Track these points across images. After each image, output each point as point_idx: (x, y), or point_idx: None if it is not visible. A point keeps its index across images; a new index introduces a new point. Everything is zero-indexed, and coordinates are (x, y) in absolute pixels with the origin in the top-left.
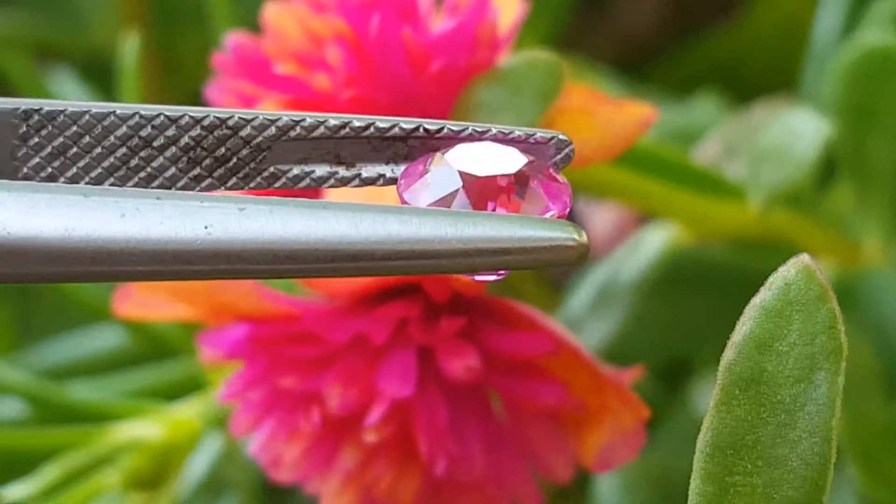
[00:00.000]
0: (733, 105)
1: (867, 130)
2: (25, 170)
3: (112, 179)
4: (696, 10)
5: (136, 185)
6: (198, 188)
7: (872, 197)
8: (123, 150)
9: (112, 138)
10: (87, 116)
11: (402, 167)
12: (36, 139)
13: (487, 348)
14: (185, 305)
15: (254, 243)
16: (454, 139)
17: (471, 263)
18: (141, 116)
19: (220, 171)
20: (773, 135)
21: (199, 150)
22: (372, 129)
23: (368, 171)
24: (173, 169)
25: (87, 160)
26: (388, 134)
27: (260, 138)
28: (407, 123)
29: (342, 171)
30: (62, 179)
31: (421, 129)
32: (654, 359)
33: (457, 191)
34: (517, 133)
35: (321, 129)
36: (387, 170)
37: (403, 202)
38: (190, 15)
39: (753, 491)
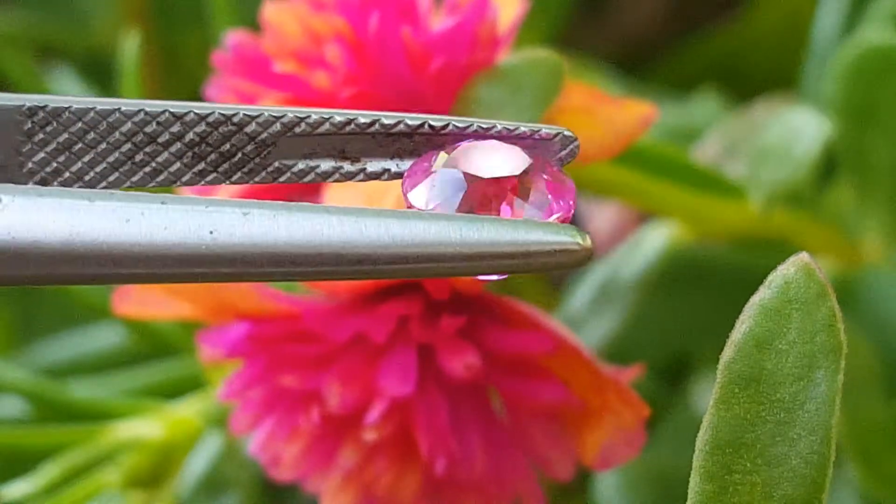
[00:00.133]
0: (733, 104)
1: (867, 129)
2: (30, 165)
3: (117, 174)
4: (696, 9)
5: (140, 180)
6: (202, 182)
7: (872, 196)
8: (128, 145)
9: (117, 134)
10: (91, 113)
11: (407, 162)
12: (41, 135)
13: (488, 347)
14: (185, 304)
15: (258, 248)
16: (459, 135)
17: (475, 267)
18: (146, 113)
19: (225, 165)
20: (774, 133)
21: (203, 145)
22: (377, 126)
23: (373, 165)
24: (178, 164)
25: (92, 155)
26: (394, 130)
27: (265, 134)
28: (412, 120)
29: (347, 166)
30: (67, 174)
31: (426, 126)
32: (654, 357)
33: (461, 193)
34: (522, 129)
35: (326, 126)
36: (392, 164)
37: (408, 202)
38: (190, 13)
39: (753, 489)
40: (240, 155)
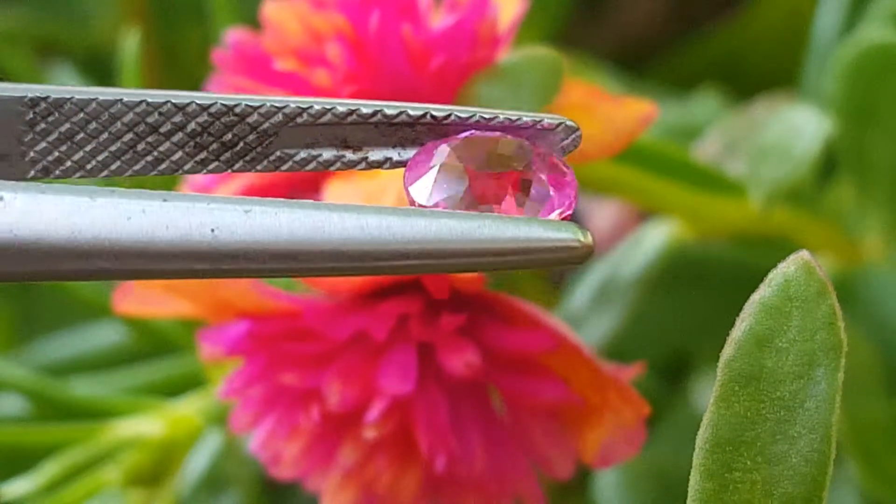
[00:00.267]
0: (734, 102)
1: (867, 127)
2: (32, 154)
3: (119, 163)
4: (697, 7)
5: (142, 169)
6: (204, 171)
7: (872, 194)
8: (130, 135)
9: (119, 124)
10: (93, 104)
11: (410, 151)
12: (43, 125)
13: (488, 345)
14: (185, 302)
15: (259, 245)
16: (461, 125)
17: (475, 264)
18: (148, 104)
19: (227, 155)
20: (774, 132)
21: (205, 135)
22: (379, 116)
23: (375, 154)
24: (180, 153)
25: (94, 144)
26: (396, 120)
27: (267, 124)
28: (414, 110)
29: (349, 155)
30: (69, 163)
31: (428, 116)
32: (654, 355)
33: (463, 188)
34: (525, 119)
35: (328, 116)
36: (394, 153)
37: (409, 196)
38: (190, 11)
39: (753, 487)
40: (242, 144)
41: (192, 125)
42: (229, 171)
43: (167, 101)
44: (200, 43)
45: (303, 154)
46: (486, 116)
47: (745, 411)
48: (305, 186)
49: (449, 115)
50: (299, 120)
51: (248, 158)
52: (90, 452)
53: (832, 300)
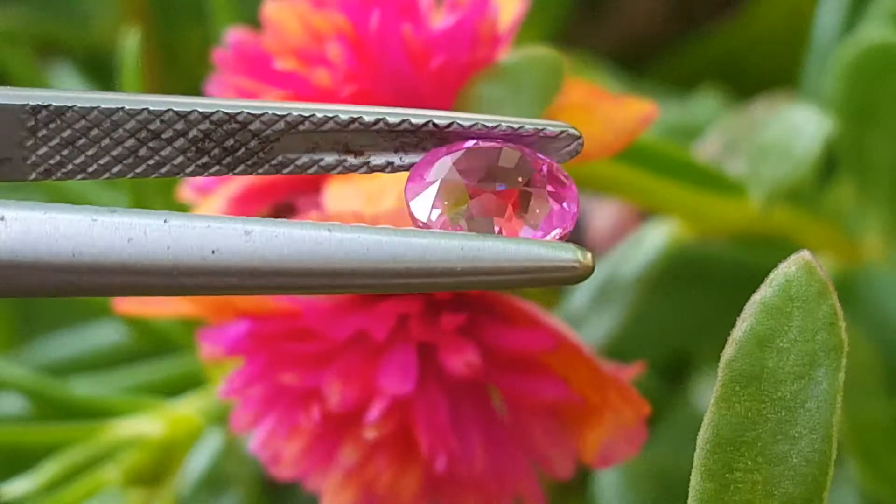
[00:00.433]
0: (734, 101)
1: (868, 127)
2: (34, 157)
3: (120, 167)
4: (697, 7)
5: (144, 172)
6: (206, 174)
7: (873, 193)
8: (132, 141)
9: (120, 131)
10: (95, 111)
11: (411, 155)
12: (44, 131)
13: (488, 345)
14: (185, 302)
15: (259, 266)
16: (464, 134)
17: (475, 282)
18: (149, 112)
19: (229, 159)
20: (774, 131)
21: (207, 141)
22: (381, 124)
23: (377, 159)
24: (181, 158)
25: (96, 149)
26: (398, 128)
27: (268, 131)
28: (416, 118)
29: (351, 160)
30: (70, 166)
31: (431, 125)
32: (654, 355)
33: (463, 205)
34: (527, 127)
35: (330, 124)
36: (395, 158)
37: (410, 211)
38: (190, 11)
39: (753, 487)
40: (243, 149)
41: (193, 132)
42: (231, 174)
43: (169, 109)
44: (200, 43)
45: (304, 159)
46: (489, 124)
47: (746, 411)
48: (306, 187)
49: (451, 124)
50: (301, 128)
51: (249, 163)
52: (90, 452)
53: (833, 300)
